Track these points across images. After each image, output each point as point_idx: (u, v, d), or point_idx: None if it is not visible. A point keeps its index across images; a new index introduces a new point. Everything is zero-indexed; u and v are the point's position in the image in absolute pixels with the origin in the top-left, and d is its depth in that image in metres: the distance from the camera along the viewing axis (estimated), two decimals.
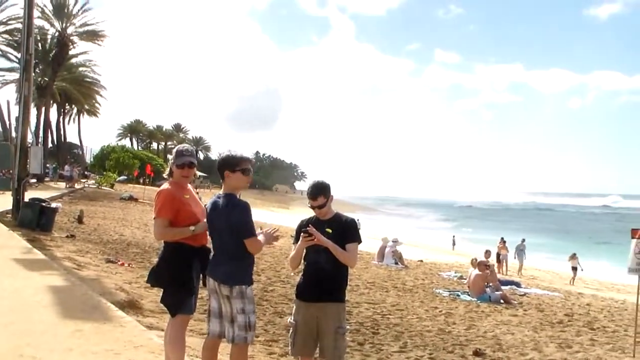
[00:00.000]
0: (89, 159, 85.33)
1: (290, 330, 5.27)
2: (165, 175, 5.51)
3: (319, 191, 5.13)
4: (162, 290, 5.36)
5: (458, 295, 16.05)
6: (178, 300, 5.22)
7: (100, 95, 73.18)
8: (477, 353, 8.99)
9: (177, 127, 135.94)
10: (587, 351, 10.13)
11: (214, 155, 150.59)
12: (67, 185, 44.25)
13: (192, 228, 5.20)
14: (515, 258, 30.78)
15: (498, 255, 30.44)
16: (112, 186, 54.18)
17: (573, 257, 29.07)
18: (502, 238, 32.14)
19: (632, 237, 10.92)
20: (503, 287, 17.09)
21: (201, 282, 5.31)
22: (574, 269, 28.74)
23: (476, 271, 16.59)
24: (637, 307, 11.37)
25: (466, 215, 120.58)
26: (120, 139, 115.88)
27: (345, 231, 5.10)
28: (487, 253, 21.48)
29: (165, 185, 5.33)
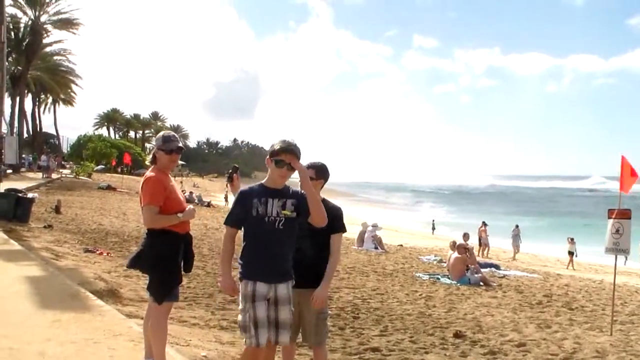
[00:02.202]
0: (65, 148, 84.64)
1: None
2: (148, 162, 5.45)
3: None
4: (142, 278, 5.35)
5: (438, 279, 16.14)
6: (165, 287, 5.22)
7: (76, 84, 72.52)
8: (457, 335, 9.04)
9: (155, 116, 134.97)
10: (566, 331, 10.23)
11: (192, 143, 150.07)
12: (44, 176, 43.77)
13: (179, 215, 5.22)
14: (513, 246, 30.82)
15: (480, 238, 30.65)
16: (89, 176, 53.70)
17: (571, 241, 29.18)
18: (484, 222, 32.34)
19: (609, 218, 11.03)
20: (482, 270, 17.20)
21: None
22: (571, 253, 28.88)
23: (455, 254, 16.68)
24: (614, 287, 11.51)
25: (447, 199, 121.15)
26: (97, 128, 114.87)
27: (331, 221, 4.74)
28: (466, 236, 21.63)
29: (151, 172, 5.28)
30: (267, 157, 4.51)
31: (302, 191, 4.51)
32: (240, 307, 4.47)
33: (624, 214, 10.88)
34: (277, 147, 4.43)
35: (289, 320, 4.49)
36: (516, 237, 30.78)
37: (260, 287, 4.39)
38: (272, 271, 4.43)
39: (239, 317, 4.47)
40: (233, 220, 4.56)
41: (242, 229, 4.56)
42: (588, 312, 12.57)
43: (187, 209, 5.33)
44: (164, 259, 5.17)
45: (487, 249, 30.32)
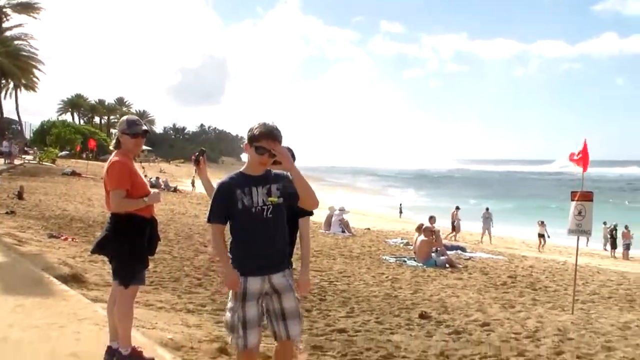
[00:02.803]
0: (28, 134, 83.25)
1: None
2: (112, 147, 5.39)
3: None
4: (107, 263, 5.31)
5: (404, 261, 16.26)
6: (133, 271, 5.22)
7: (39, 69, 71.26)
8: (422, 316, 9.13)
9: (120, 101, 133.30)
10: (529, 310, 10.41)
11: (159, 128, 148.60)
12: (6, 162, 43.08)
13: (145, 199, 5.21)
14: (484, 229, 30.97)
15: (453, 222, 30.92)
16: (53, 162, 52.95)
17: (541, 224, 29.56)
18: (457, 206, 32.68)
19: (572, 200, 11.22)
20: (448, 252, 17.38)
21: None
22: (541, 235, 29.25)
23: (422, 237, 16.81)
24: (575, 267, 11.74)
25: (412, 183, 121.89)
26: (60, 114, 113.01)
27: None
28: (432, 219, 21.78)
29: (115, 157, 5.24)
30: (246, 142, 4.21)
31: (284, 172, 4.24)
32: (228, 305, 4.23)
33: (586, 196, 11.09)
34: (256, 131, 4.12)
35: (295, 308, 4.22)
36: (487, 220, 30.93)
37: (252, 284, 4.13)
38: (265, 263, 4.16)
39: (227, 315, 4.23)
40: (217, 216, 4.22)
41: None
42: (551, 292, 12.80)
43: (152, 193, 5.33)
44: (129, 243, 5.16)
45: (456, 232, 30.60)
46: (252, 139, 4.14)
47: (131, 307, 5.28)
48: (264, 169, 4.23)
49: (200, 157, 5.23)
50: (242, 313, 4.12)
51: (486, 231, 30.65)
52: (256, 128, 4.12)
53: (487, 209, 31.94)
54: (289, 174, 4.21)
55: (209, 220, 4.25)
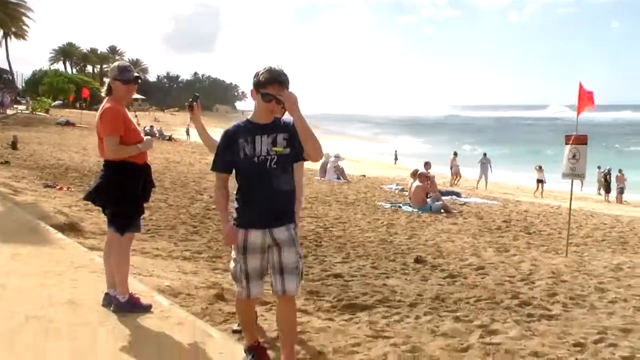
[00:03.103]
0: (20, 84, 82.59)
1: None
2: (103, 94, 5.34)
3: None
4: (107, 210, 5.29)
5: (400, 207, 16.33)
6: (127, 218, 5.24)
7: (28, 17, 70.33)
8: (418, 260, 9.20)
9: (113, 50, 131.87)
10: (523, 254, 10.49)
11: (152, 77, 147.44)
12: None
13: (139, 145, 5.21)
14: (481, 174, 30.63)
15: (451, 168, 30.89)
16: (47, 111, 52.69)
17: (539, 169, 29.42)
18: (455, 152, 32.61)
19: (566, 143, 11.22)
20: (443, 197, 17.44)
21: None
22: (540, 181, 29.16)
23: (417, 182, 16.85)
24: (570, 210, 11.80)
25: (408, 130, 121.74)
26: (52, 63, 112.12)
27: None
28: (427, 165, 21.78)
29: (108, 103, 5.20)
30: (252, 88, 4.00)
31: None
32: (232, 254, 4.15)
33: (580, 140, 11.08)
34: (262, 77, 3.91)
35: (295, 263, 4.04)
36: (484, 165, 30.51)
37: (253, 236, 4.00)
38: (267, 216, 3.99)
39: (231, 264, 4.18)
40: (220, 165, 4.08)
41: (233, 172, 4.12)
42: (545, 235, 12.90)
43: (145, 139, 5.31)
44: (124, 190, 5.16)
45: (458, 178, 30.54)
46: (258, 84, 3.93)
47: (127, 254, 5.31)
48: (273, 117, 4.05)
49: (194, 103, 5.18)
50: (244, 265, 4.04)
51: (483, 176, 30.49)
52: (262, 73, 3.92)
53: (485, 155, 31.71)
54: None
55: (212, 168, 4.13)
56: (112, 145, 5.08)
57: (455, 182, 29.95)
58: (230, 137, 4.03)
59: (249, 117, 4.14)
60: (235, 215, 4.09)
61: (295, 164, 4.31)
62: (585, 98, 11.05)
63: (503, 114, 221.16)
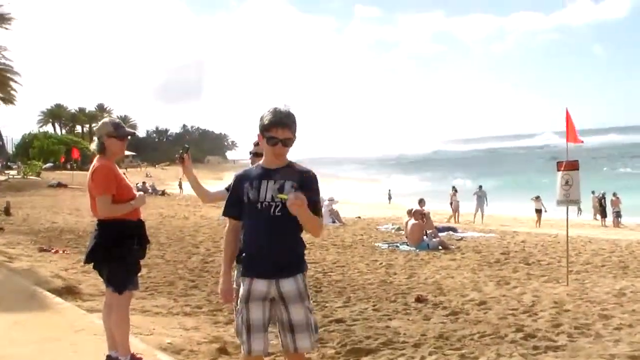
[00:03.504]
0: (10, 149, 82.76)
1: (234, 297, 5.21)
2: (94, 150, 5.34)
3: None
4: (103, 271, 5.26)
5: (397, 247, 16.29)
6: (126, 276, 5.19)
7: (15, 82, 70.56)
8: (419, 299, 9.16)
9: (101, 108, 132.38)
10: (524, 285, 10.46)
11: (141, 132, 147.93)
12: None
13: (132, 202, 5.21)
14: (477, 208, 30.78)
15: (451, 204, 30.87)
16: (38, 174, 52.75)
17: (537, 199, 29.44)
18: (454, 187, 32.64)
19: (558, 170, 11.28)
20: (440, 234, 17.43)
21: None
22: (538, 211, 29.14)
23: (413, 221, 16.84)
24: (567, 238, 11.79)
25: (399, 168, 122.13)
26: (41, 126, 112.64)
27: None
28: (422, 202, 21.81)
29: (99, 162, 5.21)
30: (258, 132, 3.82)
31: (307, 169, 3.87)
32: (236, 306, 3.93)
33: (572, 166, 11.15)
34: (266, 120, 3.73)
35: (305, 319, 3.77)
36: (480, 198, 30.64)
37: (257, 285, 3.74)
38: (271, 265, 3.72)
39: (235, 318, 3.96)
40: (230, 209, 3.91)
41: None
42: (544, 265, 12.89)
43: (137, 195, 5.31)
44: (120, 248, 5.14)
45: (458, 214, 30.47)
46: (263, 128, 3.75)
47: (127, 313, 5.27)
48: (284, 162, 3.83)
49: (185, 155, 5.21)
50: (246, 315, 3.76)
51: (479, 210, 30.50)
52: (266, 116, 3.74)
53: (480, 187, 31.82)
54: (312, 172, 3.87)
55: (223, 213, 3.98)
56: (105, 204, 5.08)
57: (456, 218, 29.91)
58: (237, 180, 3.89)
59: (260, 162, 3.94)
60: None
61: None
62: (573, 126, 11.15)
63: (492, 145, 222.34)
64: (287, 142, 3.75)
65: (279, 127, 3.70)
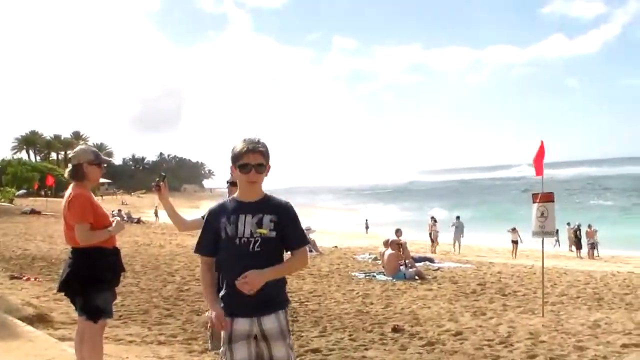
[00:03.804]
0: None
1: (209, 326, 5.15)
2: (69, 177, 5.29)
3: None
4: (77, 299, 5.19)
5: (374, 276, 16.27)
6: (101, 305, 5.14)
7: None
8: (395, 329, 9.12)
9: (77, 135, 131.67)
10: (500, 316, 10.48)
11: (117, 160, 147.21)
12: None
13: (109, 229, 5.19)
14: (454, 238, 30.86)
15: (430, 234, 30.92)
16: (11, 201, 52.16)
17: (513, 230, 29.57)
18: (433, 217, 32.74)
19: (533, 202, 11.37)
20: (417, 264, 17.46)
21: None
22: (514, 242, 29.29)
23: (389, 250, 16.84)
24: (542, 269, 11.85)
25: (376, 197, 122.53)
26: (15, 152, 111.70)
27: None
28: (398, 232, 21.81)
29: (76, 190, 5.16)
30: (231, 165, 3.71)
31: (285, 201, 3.76)
32: (221, 349, 3.71)
33: (547, 197, 11.26)
34: (237, 149, 3.63)
35: (287, 357, 3.67)
36: (458, 229, 30.72)
37: (239, 325, 3.60)
38: (253, 303, 3.56)
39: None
40: (203, 247, 3.74)
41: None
42: (520, 296, 12.93)
43: (115, 222, 5.28)
44: (95, 276, 5.08)
45: (437, 244, 30.49)
46: (235, 158, 3.64)
47: (101, 341, 5.21)
48: (257, 191, 3.71)
49: (161, 183, 5.18)
50: (230, 357, 3.61)
51: (456, 240, 30.63)
52: (238, 145, 3.64)
53: (458, 218, 31.95)
54: (290, 204, 3.76)
55: (195, 250, 3.80)
56: (83, 232, 5.03)
57: (434, 249, 29.98)
58: (212, 215, 3.73)
59: (234, 195, 3.81)
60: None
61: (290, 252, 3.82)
62: (540, 158, 11.24)
63: (467, 176, 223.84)
64: (260, 168, 3.63)
65: (250, 154, 3.59)
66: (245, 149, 3.60)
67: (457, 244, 30.46)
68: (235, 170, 3.68)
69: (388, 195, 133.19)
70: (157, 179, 5.21)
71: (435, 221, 31.79)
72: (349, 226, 53.74)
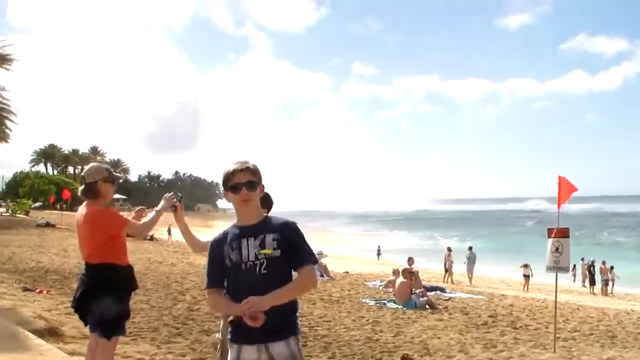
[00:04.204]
0: (0, 186, 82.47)
1: (218, 347, 5.15)
2: (83, 195, 5.34)
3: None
4: (91, 316, 5.21)
5: (384, 304, 16.20)
6: (116, 322, 5.16)
7: (11, 120, 70.72)
8: (405, 358, 9.07)
9: (94, 150, 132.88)
10: (511, 350, 10.38)
11: (133, 177, 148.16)
12: None
13: (158, 208, 5.38)
14: (467, 269, 30.86)
15: (445, 264, 30.84)
16: (27, 213, 52.54)
17: (525, 266, 29.45)
18: (449, 247, 32.67)
19: (549, 237, 11.30)
20: (428, 293, 17.35)
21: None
22: (526, 276, 29.14)
23: (401, 279, 16.79)
24: (555, 304, 11.75)
25: (390, 224, 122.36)
26: (33, 165, 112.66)
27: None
28: (410, 260, 21.79)
29: (98, 206, 5.25)
30: (224, 191, 3.62)
31: (285, 219, 3.62)
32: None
33: (563, 233, 11.18)
34: (226, 170, 3.56)
35: None
36: (470, 260, 30.77)
37: (246, 353, 3.44)
38: (261, 330, 3.34)
39: None
40: (212, 280, 3.58)
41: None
42: (532, 330, 12.81)
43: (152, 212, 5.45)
44: (112, 293, 5.10)
45: (451, 274, 30.38)
46: (225, 181, 3.56)
47: (112, 359, 5.21)
48: (260, 217, 3.59)
49: (178, 203, 5.21)
50: None
51: (469, 272, 30.54)
52: (226, 168, 3.58)
53: (471, 249, 31.93)
54: (293, 222, 3.62)
55: (206, 286, 3.62)
56: (136, 227, 5.29)
57: (447, 279, 29.86)
58: (215, 246, 3.61)
59: (234, 221, 3.67)
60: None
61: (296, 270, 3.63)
62: (567, 190, 11.20)
63: (480, 207, 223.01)
64: (251, 186, 3.52)
65: (238, 173, 3.51)
66: (233, 169, 3.54)
67: (469, 274, 30.35)
68: (227, 194, 3.60)
69: (400, 222, 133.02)
70: (174, 199, 5.25)
71: (451, 251, 31.70)
72: (361, 252, 53.60)
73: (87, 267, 5.19)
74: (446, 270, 30.61)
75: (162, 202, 5.29)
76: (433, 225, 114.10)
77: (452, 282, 28.53)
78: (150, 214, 5.35)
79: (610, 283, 30.31)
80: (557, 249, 11.10)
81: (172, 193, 5.36)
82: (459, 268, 31.38)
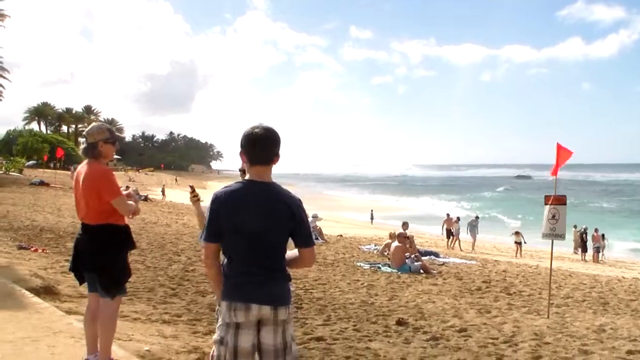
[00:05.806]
0: None
1: (217, 308, 5.13)
2: (84, 155, 5.28)
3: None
4: (93, 276, 5.19)
5: (379, 267, 16.26)
6: (120, 281, 5.18)
7: (4, 77, 70.15)
8: (400, 322, 9.11)
9: (88, 109, 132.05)
10: (505, 315, 10.46)
11: (127, 136, 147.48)
12: None
13: (131, 202, 5.29)
14: (468, 234, 31.30)
15: (448, 230, 31.03)
16: (20, 171, 52.34)
17: (516, 234, 29.65)
18: (448, 214, 32.89)
19: (545, 204, 11.30)
20: (422, 258, 17.43)
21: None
22: (518, 243, 29.37)
23: (396, 243, 16.84)
24: (550, 271, 11.80)
25: (383, 188, 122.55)
26: (27, 123, 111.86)
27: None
28: (405, 225, 21.81)
29: (100, 166, 5.18)
30: (240, 151, 3.57)
31: (294, 197, 3.60)
32: (216, 335, 3.51)
33: (560, 200, 11.18)
34: (243, 137, 3.51)
35: (283, 345, 3.53)
36: (474, 227, 31.19)
37: (240, 312, 3.44)
38: (258, 294, 3.45)
39: (214, 348, 3.55)
40: (210, 234, 3.52)
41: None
42: (525, 296, 12.90)
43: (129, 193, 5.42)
44: (114, 253, 5.09)
45: (457, 241, 30.75)
46: (241, 147, 3.55)
47: (116, 318, 5.23)
48: (266, 178, 3.56)
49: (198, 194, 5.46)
50: (233, 341, 3.43)
51: (473, 237, 30.90)
52: (245, 131, 3.52)
53: (477, 217, 32.26)
54: (300, 201, 3.62)
55: (202, 238, 3.65)
56: (124, 204, 5.14)
57: (453, 244, 30.11)
58: (218, 203, 3.50)
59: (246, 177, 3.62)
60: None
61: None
62: (564, 157, 11.15)
63: (478, 173, 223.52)
64: (270, 160, 3.55)
65: (256, 150, 3.51)
66: (243, 144, 3.52)
67: (471, 240, 30.72)
68: (243, 157, 3.58)
69: (395, 186, 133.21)
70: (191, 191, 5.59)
71: (459, 219, 31.86)
72: (355, 215, 53.69)
73: (86, 227, 5.14)
74: (449, 236, 30.78)
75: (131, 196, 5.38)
76: (424, 190, 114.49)
77: (461, 250, 28.67)
78: (132, 202, 5.32)
79: (601, 250, 30.52)
80: (553, 216, 11.12)
81: (135, 188, 5.60)
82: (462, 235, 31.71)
